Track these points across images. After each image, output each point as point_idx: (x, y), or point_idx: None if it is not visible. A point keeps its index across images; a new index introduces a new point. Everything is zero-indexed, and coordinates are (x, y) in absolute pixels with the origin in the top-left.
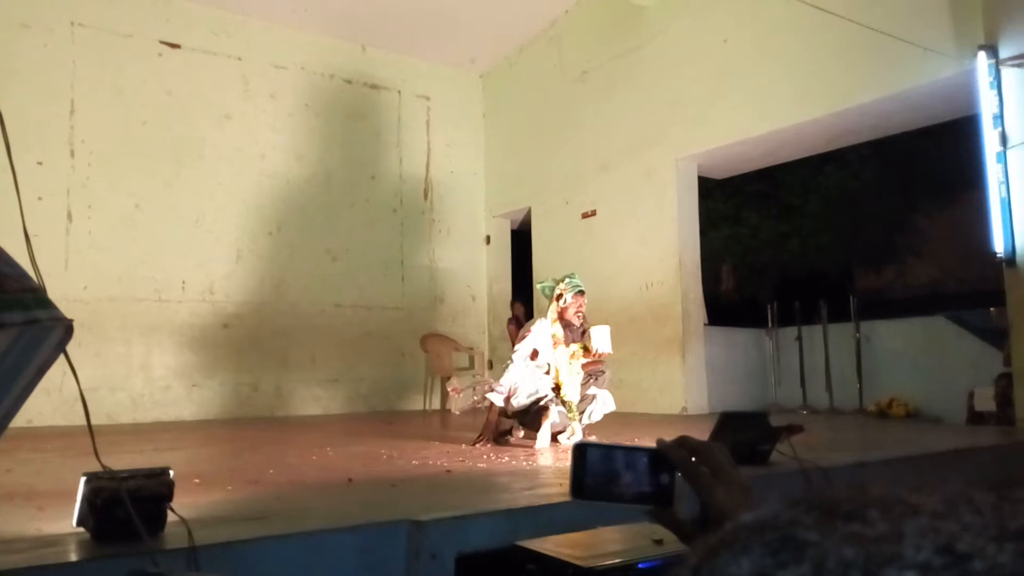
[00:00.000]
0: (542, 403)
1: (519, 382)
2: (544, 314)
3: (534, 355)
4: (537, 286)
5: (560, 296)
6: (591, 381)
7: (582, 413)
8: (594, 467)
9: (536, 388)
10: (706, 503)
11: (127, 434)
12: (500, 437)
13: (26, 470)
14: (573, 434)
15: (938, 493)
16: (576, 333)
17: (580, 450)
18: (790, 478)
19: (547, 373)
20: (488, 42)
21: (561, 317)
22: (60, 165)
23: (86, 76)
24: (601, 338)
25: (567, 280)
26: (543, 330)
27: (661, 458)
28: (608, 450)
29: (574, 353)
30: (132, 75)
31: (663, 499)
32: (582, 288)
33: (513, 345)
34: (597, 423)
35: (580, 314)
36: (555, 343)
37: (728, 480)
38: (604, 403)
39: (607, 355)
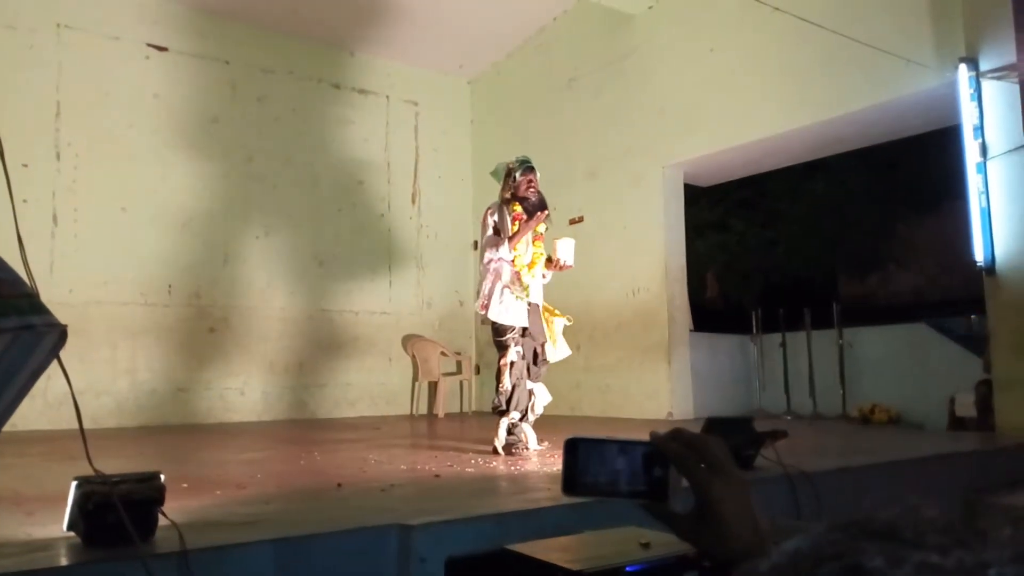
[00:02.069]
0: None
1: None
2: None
3: (496, 231)
4: (489, 172)
5: (509, 174)
6: (536, 375)
7: (525, 414)
8: (586, 462)
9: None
10: (702, 498)
11: (112, 438)
12: (510, 448)
13: (11, 475)
14: (543, 442)
15: (1000, 515)
16: (535, 209)
17: (571, 445)
18: (774, 483)
19: (512, 256)
20: (477, 48)
21: (515, 196)
22: (46, 168)
23: (72, 78)
24: (566, 250)
25: (516, 159)
26: (504, 213)
27: (655, 451)
28: (600, 444)
29: (534, 262)
30: (118, 78)
31: (657, 493)
32: (531, 164)
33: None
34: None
35: (533, 189)
36: (515, 219)
37: (725, 474)
38: (542, 397)
39: (568, 267)
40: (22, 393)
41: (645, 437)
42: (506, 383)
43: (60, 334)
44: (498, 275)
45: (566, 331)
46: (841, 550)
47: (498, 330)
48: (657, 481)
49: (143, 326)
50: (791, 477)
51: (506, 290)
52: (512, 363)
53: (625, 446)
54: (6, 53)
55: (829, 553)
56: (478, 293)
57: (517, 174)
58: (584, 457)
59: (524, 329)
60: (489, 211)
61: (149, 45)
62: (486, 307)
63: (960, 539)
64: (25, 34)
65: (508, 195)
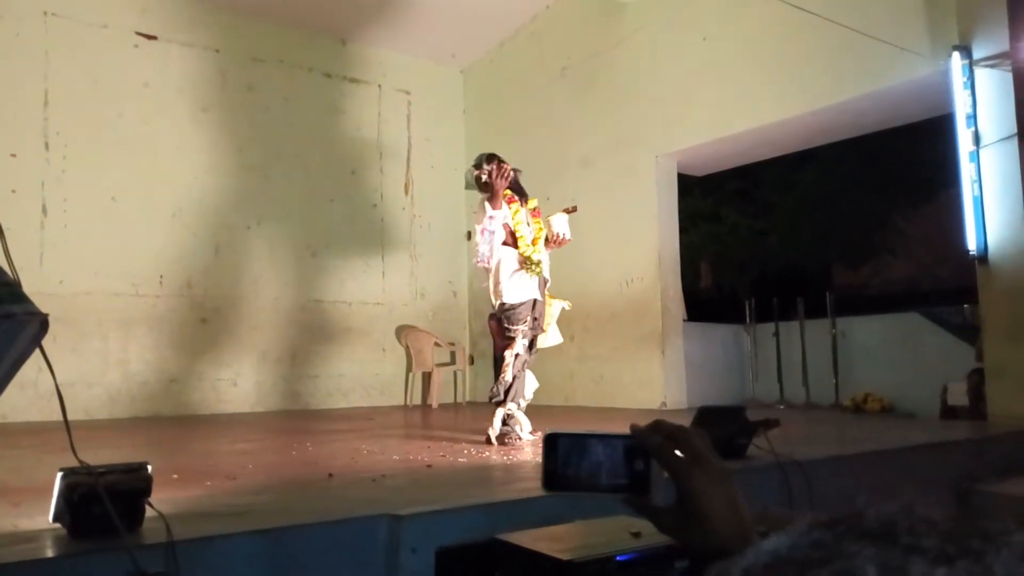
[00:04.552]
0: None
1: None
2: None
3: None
4: (465, 188)
5: (478, 177)
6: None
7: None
8: (566, 457)
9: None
10: (683, 490)
11: (104, 429)
12: (503, 438)
13: (1, 466)
14: (536, 432)
15: (1006, 514)
16: (518, 187)
17: (551, 440)
18: (767, 472)
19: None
20: (469, 37)
21: (495, 182)
22: (34, 157)
23: (60, 67)
24: (560, 223)
25: (475, 158)
26: (495, 209)
27: (636, 444)
28: (580, 439)
29: (536, 239)
30: (107, 66)
31: (638, 487)
32: (491, 153)
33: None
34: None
35: (508, 173)
36: (510, 201)
37: (706, 466)
38: (530, 384)
39: (567, 241)
40: (4, 382)
41: (636, 426)
42: (508, 375)
43: (41, 323)
44: (499, 262)
45: (561, 318)
46: (828, 555)
47: (510, 318)
48: (638, 474)
49: (135, 317)
50: (783, 466)
51: (516, 274)
52: (518, 355)
53: (605, 440)
54: None
55: (815, 558)
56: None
57: (485, 170)
58: (564, 452)
59: (534, 320)
60: (482, 203)
61: (138, 34)
62: (500, 294)
63: (967, 547)
64: (11, 22)
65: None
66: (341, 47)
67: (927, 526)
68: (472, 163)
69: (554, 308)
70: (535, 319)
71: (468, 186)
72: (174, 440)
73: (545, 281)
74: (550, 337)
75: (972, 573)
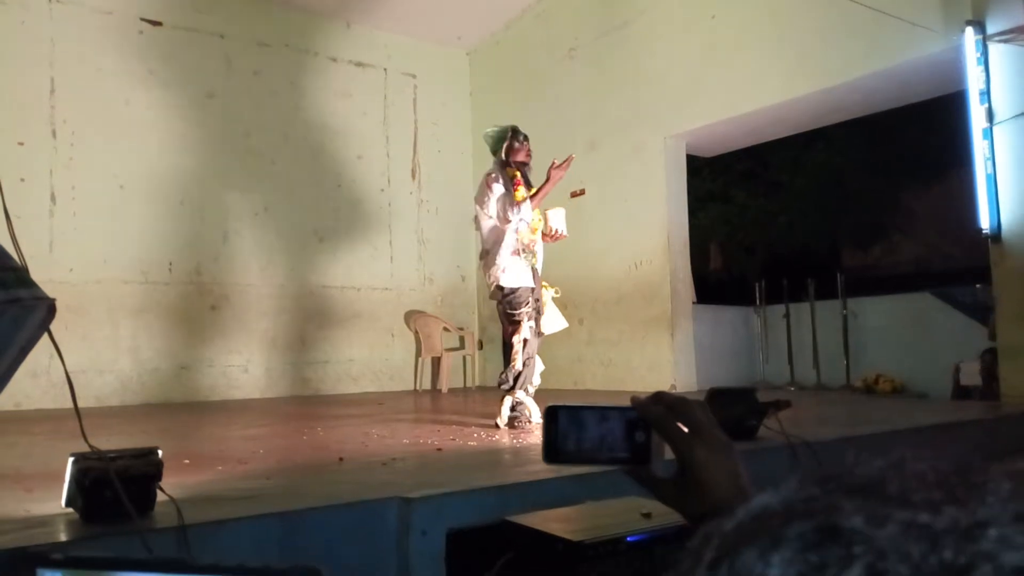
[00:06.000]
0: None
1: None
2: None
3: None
4: (482, 134)
5: (508, 141)
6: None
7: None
8: (566, 430)
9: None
10: (684, 461)
11: (115, 416)
12: (513, 421)
13: (14, 453)
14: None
15: (997, 470)
16: (531, 176)
17: (552, 413)
18: (777, 453)
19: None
20: (475, 19)
21: (513, 160)
22: (42, 146)
23: (65, 54)
24: (558, 219)
25: (508, 127)
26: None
27: (637, 416)
28: (580, 411)
29: (535, 228)
30: (113, 53)
31: (639, 458)
32: (526, 135)
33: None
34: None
35: (528, 154)
36: (517, 184)
37: (707, 437)
38: (536, 367)
39: (563, 237)
40: (12, 368)
41: (636, 397)
42: (519, 363)
43: (48, 308)
44: (500, 242)
45: (564, 303)
46: (814, 508)
47: (512, 303)
48: (639, 446)
49: (144, 304)
50: (794, 447)
51: (514, 256)
52: (526, 340)
53: (606, 412)
54: None
55: (801, 511)
56: (482, 255)
57: (516, 142)
58: (565, 425)
59: (536, 301)
60: (491, 176)
61: (143, 20)
62: (497, 278)
63: (953, 495)
64: (16, 10)
65: (509, 160)
66: (346, 30)
67: (916, 480)
68: (510, 128)
69: (544, 296)
70: (537, 300)
71: (489, 139)
72: (185, 426)
73: (538, 271)
74: (555, 322)
75: (956, 519)
